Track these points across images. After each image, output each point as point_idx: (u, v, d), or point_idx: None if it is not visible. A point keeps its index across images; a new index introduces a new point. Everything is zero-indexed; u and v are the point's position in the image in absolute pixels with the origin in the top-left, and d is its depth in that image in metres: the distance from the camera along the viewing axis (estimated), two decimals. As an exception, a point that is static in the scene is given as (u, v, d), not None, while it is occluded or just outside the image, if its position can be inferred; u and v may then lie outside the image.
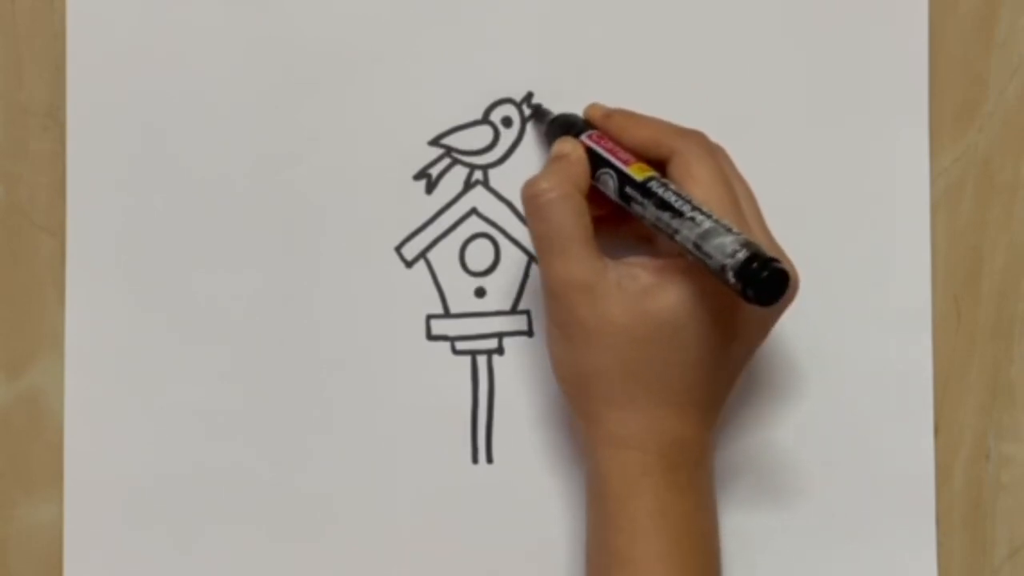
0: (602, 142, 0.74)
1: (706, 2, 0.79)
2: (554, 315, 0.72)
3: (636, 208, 0.72)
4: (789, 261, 0.71)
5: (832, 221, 0.78)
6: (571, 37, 0.79)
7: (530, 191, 0.72)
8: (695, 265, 0.69)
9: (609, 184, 0.73)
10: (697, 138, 0.73)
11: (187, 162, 0.79)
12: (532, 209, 0.72)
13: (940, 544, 0.78)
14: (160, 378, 0.79)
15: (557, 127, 0.77)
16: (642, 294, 0.70)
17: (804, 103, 0.79)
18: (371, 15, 0.79)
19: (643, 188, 0.71)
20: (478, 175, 0.79)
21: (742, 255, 0.66)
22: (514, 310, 0.79)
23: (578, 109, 0.78)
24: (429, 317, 0.79)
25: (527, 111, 0.79)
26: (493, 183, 0.79)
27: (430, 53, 0.79)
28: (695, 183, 0.71)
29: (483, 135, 0.79)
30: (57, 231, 0.79)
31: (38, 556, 0.79)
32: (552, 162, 0.74)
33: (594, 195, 0.73)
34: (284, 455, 0.79)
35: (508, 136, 0.79)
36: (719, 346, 0.70)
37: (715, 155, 0.73)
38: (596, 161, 0.74)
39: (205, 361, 0.79)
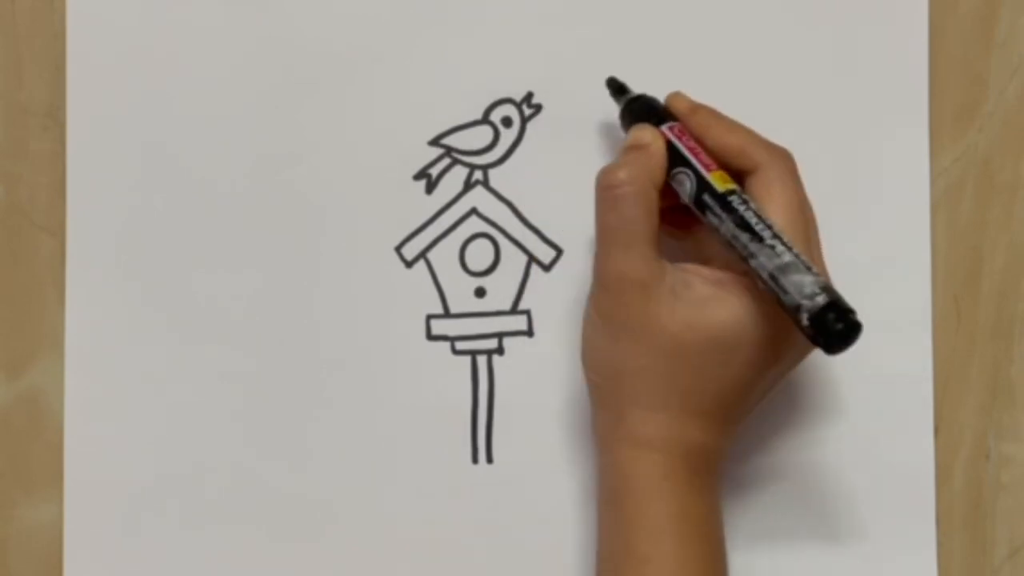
0: (684, 139, 0.72)
1: (706, 2, 0.79)
2: (601, 306, 0.71)
3: (711, 219, 0.70)
4: (839, 295, 0.71)
5: (832, 221, 0.78)
6: (571, 37, 0.79)
7: (607, 181, 0.71)
8: (752, 284, 0.69)
9: (685, 185, 0.71)
10: (784, 158, 0.72)
11: (187, 162, 0.79)
12: (606, 199, 0.71)
13: (940, 544, 0.78)
14: (160, 378, 0.79)
15: (636, 109, 0.75)
16: (697, 304, 0.69)
17: (804, 103, 0.79)
18: (371, 15, 0.79)
19: (723, 201, 0.70)
20: (478, 175, 0.79)
21: (821, 300, 0.66)
22: (514, 310, 0.79)
23: (578, 109, 0.78)
24: (429, 317, 0.79)
25: (527, 111, 0.79)
26: (493, 183, 0.79)
27: (430, 53, 0.79)
28: (774, 206, 0.70)
29: (483, 135, 0.79)
30: (57, 231, 0.79)
31: (38, 556, 0.79)
32: (630, 151, 0.72)
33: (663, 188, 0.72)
34: (284, 455, 0.79)
35: (508, 136, 0.79)
36: (761, 368, 0.70)
37: (798, 180, 0.72)
38: (674, 157, 0.72)
39: (205, 361, 0.79)
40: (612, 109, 0.77)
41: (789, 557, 0.78)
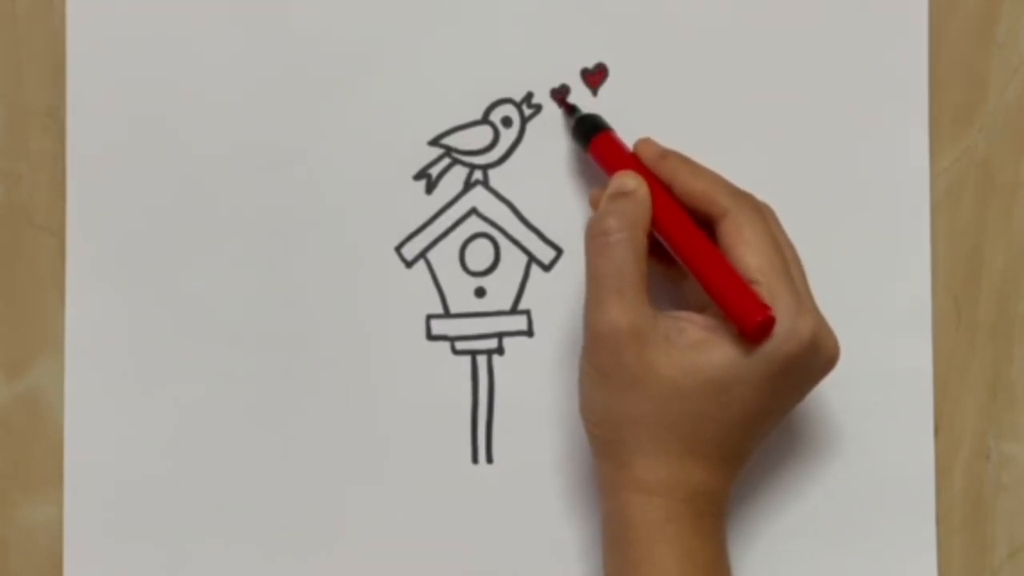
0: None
1: (706, 4, 0.79)
2: (595, 357, 0.71)
3: None
4: (831, 331, 0.71)
5: (832, 221, 0.78)
6: (571, 37, 0.79)
7: (597, 228, 0.71)
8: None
9: None
10: (749, 200, 0.72)
11: (187, 162, 0.79)
12: (597, 247, 0.71)
13: (940, 544, 0.78)
14: (160, 378, 0.79)
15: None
16: (691, 348, 0.70)
17: (804, 103, 0.79)
18: (372, 15, 0.79)
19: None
20: (478, 175, 0.79)
21: None
22: (514, 310, 0.79)
23: (580, 109, 0.78)
24: (429, 317, 0.79)
25: (527, 111, 0.79)
26: (493, 183, 0.79)
27: (430, 53, 0.79)
28: (747, 246, 0.70)
29: (483, 135, 0.79)
30: (57, 231, 0.79)
31: (38, 556, 0.79)
32: (616, 199, 0.72)
33: None
34: (284, 455, 0.79)
35: (508, 136, 0.79)
36: (759, 409, 0.70)
37: (766, 219, 0.72)
38: None
39: (205, 361, 0.79)
40: (611, 109, 0.77)
41: (789, 557, 0.78)
